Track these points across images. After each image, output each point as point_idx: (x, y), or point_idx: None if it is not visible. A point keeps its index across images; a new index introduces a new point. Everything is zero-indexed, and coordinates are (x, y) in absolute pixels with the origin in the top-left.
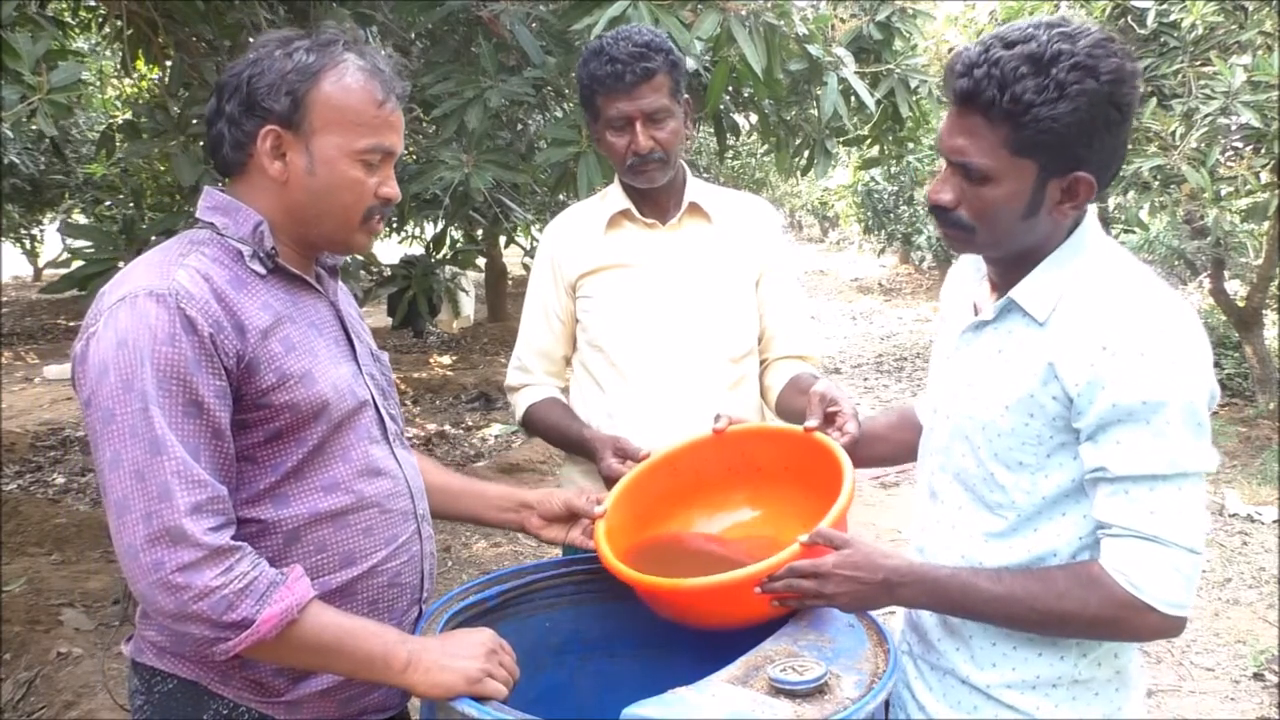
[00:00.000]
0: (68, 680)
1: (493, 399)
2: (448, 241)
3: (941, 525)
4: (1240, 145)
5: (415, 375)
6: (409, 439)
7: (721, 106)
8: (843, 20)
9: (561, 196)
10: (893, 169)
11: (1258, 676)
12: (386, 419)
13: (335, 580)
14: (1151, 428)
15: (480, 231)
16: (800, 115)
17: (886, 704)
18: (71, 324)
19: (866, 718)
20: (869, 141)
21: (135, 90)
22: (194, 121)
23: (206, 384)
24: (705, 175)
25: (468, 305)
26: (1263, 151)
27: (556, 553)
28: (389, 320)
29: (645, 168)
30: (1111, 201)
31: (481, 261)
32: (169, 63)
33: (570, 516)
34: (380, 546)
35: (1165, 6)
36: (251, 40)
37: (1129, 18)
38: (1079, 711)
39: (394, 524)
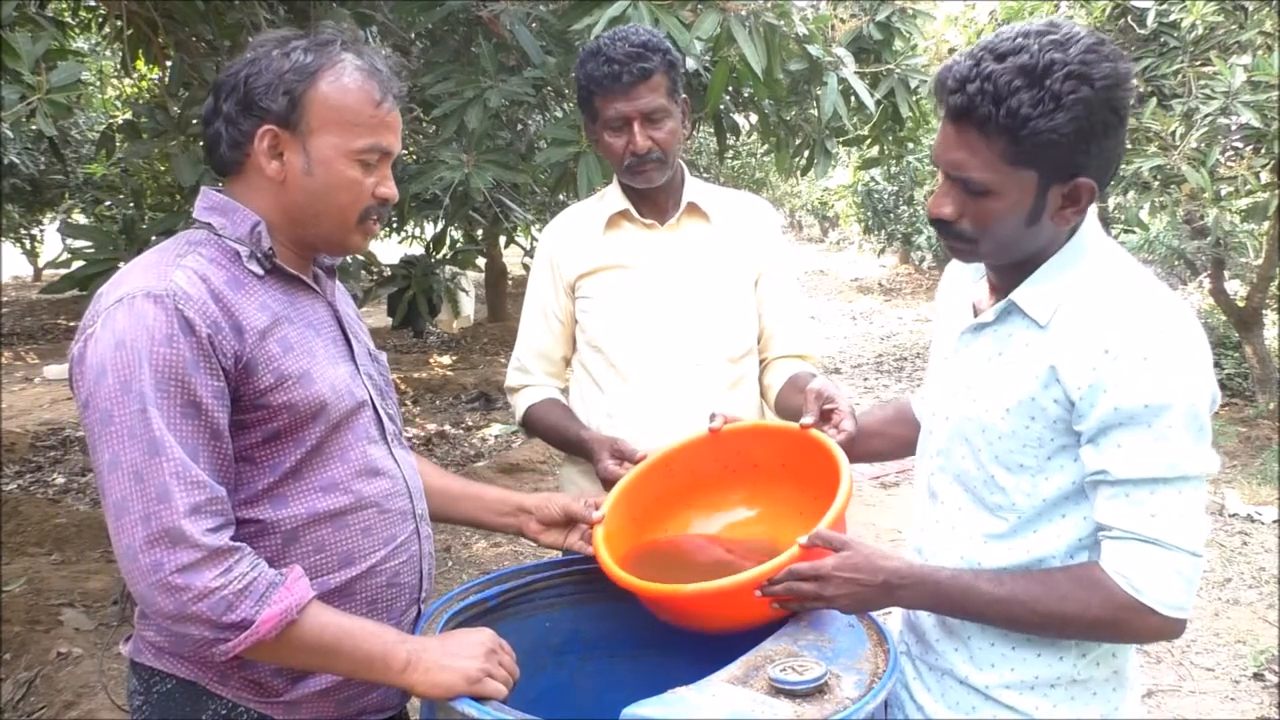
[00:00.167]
0: (67, 680)
1: (493, 399)
2: (448, 241)
3: (941, 526)
4: (1240, 145)
5: (415, 375)
6: (409, 439)
7: (721, 106)
8: (843, 20)
9: (561, 196)
10: (893, 169)
11: (1258, 676)
12: (385, 419)
13: (334, 580)
14: (1153, 431)
15: (480, 231)
16: (800, 115)
17: (886, 704)
18: (71, 324)
19: (866, 718)
20: (869, 141)
21: (135, 90)
22: (194, 121)
23: (204, 385)
24: (705, 175)
25: (468, 305)
26: (1263, 151)
27: (557, 553)
28: (389, 320)
29: (643, 168)
30: (1111, 201)
31: (481, 261)
32: (169, 63)
33: (568, 521)
34: (379, 546)
35: (1165, 6)
36: (251, 40)
37: (1129, 17)
38: (1077, 711)
39: (392, 524)
